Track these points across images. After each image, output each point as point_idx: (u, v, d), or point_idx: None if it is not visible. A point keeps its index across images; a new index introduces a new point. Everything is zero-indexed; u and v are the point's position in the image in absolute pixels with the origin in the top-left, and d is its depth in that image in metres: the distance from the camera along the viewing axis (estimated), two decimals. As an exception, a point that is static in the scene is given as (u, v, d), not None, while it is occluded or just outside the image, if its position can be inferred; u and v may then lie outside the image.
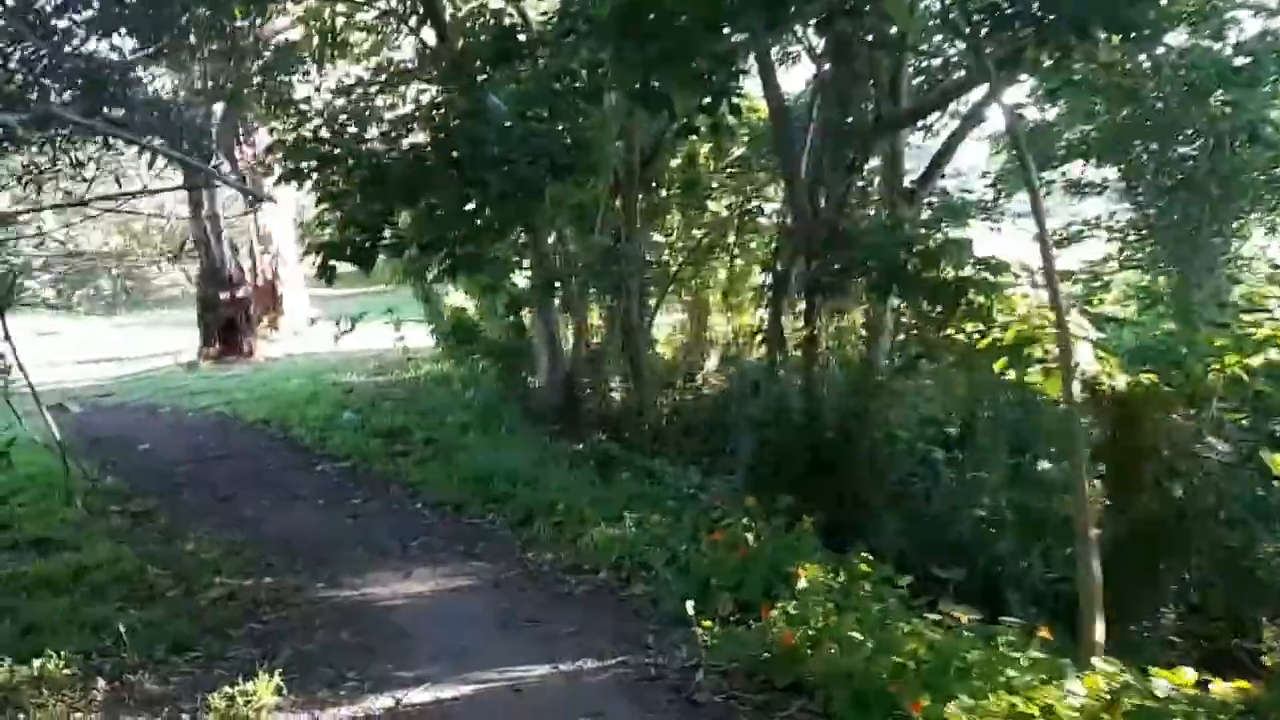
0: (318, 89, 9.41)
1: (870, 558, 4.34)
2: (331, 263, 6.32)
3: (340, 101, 8.36)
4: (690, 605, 3.92)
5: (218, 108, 10.44)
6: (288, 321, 16.36)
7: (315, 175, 7.05)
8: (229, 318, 14.31)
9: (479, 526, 6.08)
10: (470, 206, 6.58)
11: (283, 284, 16.43)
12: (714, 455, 9.79)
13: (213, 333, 14.30)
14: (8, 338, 6.98)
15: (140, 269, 24.68)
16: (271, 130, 10.32)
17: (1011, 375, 4.71)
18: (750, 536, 4.75)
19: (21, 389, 7.89)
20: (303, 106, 8.47)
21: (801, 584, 4.05)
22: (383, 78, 9.23)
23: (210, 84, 9.29)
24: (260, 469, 7.79)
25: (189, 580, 4.91)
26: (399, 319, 11.21)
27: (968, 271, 5.05)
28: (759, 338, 10.55)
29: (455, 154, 6.59)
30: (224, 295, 14.21)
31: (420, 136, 7.12)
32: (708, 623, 3.97)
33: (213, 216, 13.97)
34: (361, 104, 8.42)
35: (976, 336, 4.95)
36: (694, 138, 11.45)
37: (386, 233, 6.58)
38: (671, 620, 4.29)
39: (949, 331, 5.28)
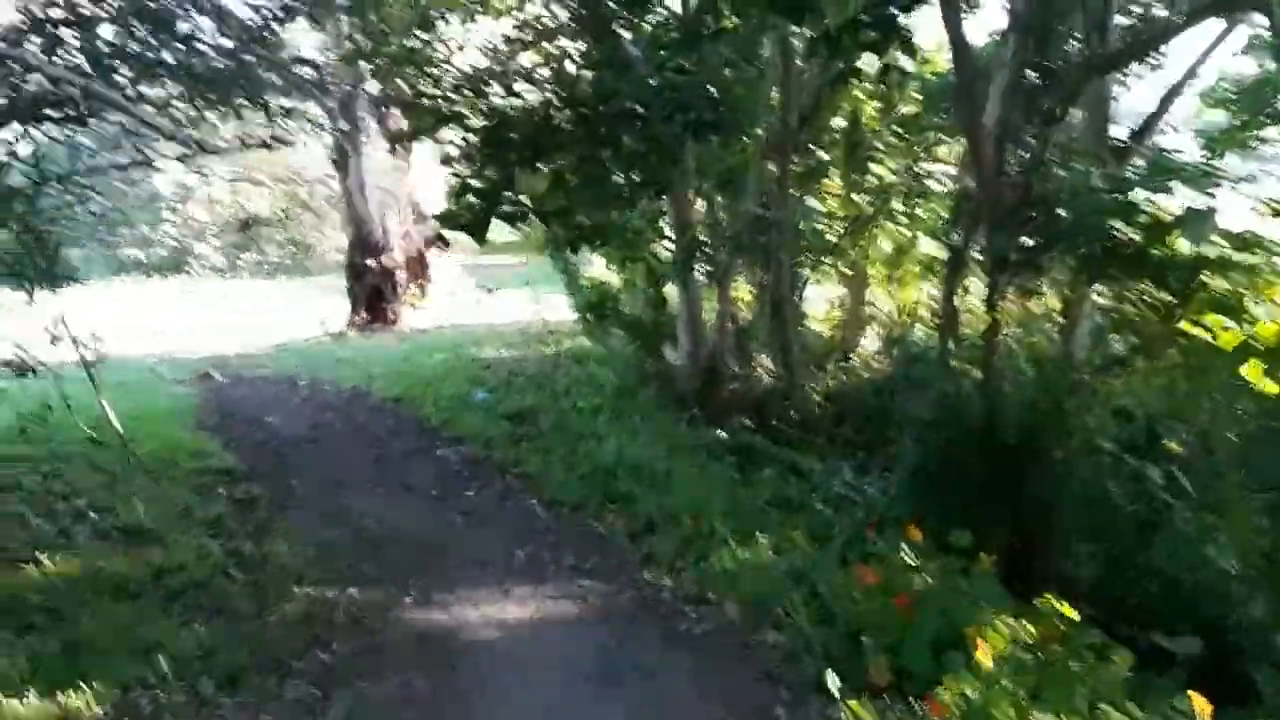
0: (461, 47, 8.84)
1: (1073, 618, 3.35)
2: (443, 233, 5.71)
3: (484, 63, 7.76)
4: (834, 680, 3.07)
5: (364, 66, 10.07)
6: (436, 290, 16.17)
7: (436, 135, 6.50)
8: (376, 286, 14.16)
9: (595, 533, 5.35)
10: (599, 169, 5.85)
11: (431, 252, 16.24)
12: (870, 448, 8.80)
13: (360, 302, 14.21)
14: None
15: (304, 236, 25.30)
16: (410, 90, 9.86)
17: (1270, 385, 3.60)
18: (914, 578, 3.82)
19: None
20: (442, 66, 7.92)
21: (982, 655, 3.11)
22: (527, 35, 8.56)
23: (352, 42, 8.89)
24: (381, 452, 7.34)
25: (268, 590, 4.40)
26: (538, 292, 10.65)
27: (1209, 249, 3.93)
28: (930, 319, 9.41)
29: (584, 110, 5.86)
30: (372, 263, 14.06)
31: (546, 92, 6.43)
32: (855, 704, 3.09)
33: (360, 184, 13.80)
34: (500, 64, 7.79)
35: (1220, 331, 3.85)
36: (857, 94, 10.36)
37: (507, 199, 5.95)
38: (810, 686, 3.43)
39: (1178, 323, 4.17)
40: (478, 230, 5.57)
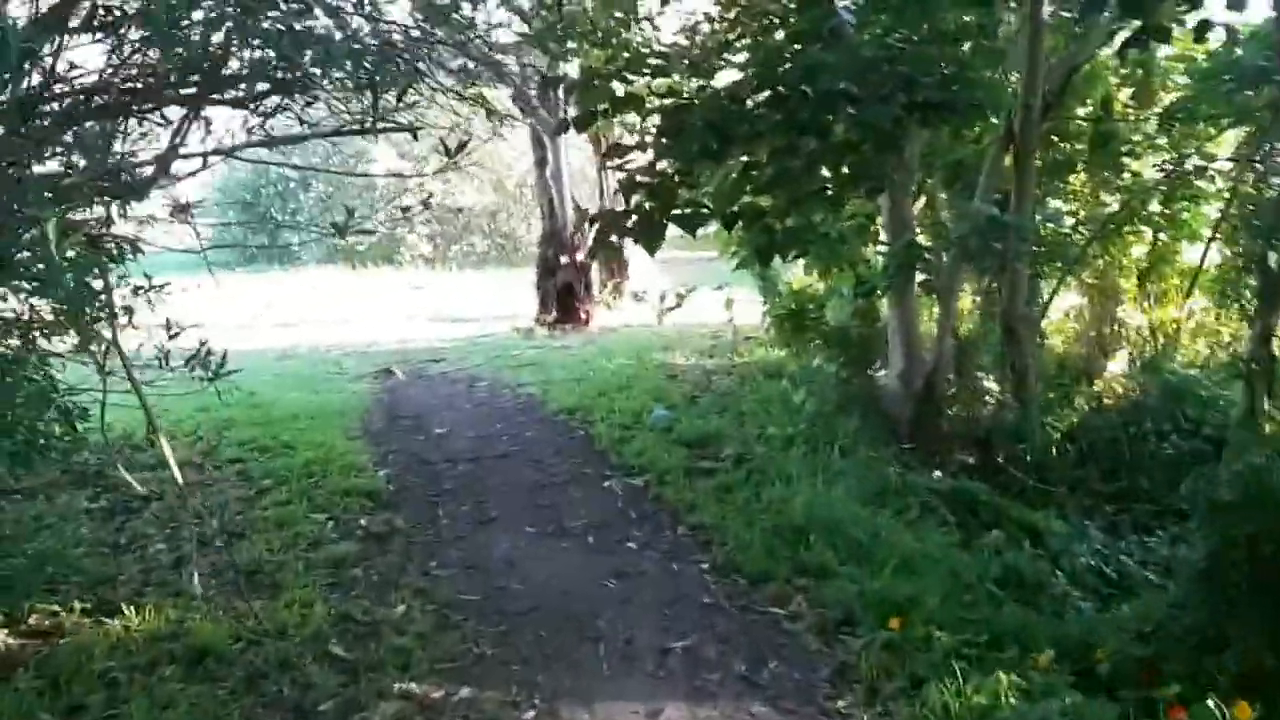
0: (656, 26, 7.92)
1: None
2: (612, 238, 4.79)
3: (683, 40, 6.79)
4: None
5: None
6: (631, 288, 15.43)
7: (613, 120, 5.61)
8: (568, 283, 13.56)
9: (776, 623, 4.26)
10: (798, 162, 4.75)
11: (630, 247, 15.50)
12: (1120, 500, 7.27)
13: (550, 299, 13.64)
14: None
15: (511, 227, 25.31)
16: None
17: None
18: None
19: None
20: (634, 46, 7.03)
21: None
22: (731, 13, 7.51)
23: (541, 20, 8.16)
24: (541, 478, 6.53)
25: (363, 678, 3.61)
26: (730, 297, 9.64)
27: None
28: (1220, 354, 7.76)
29: (783, 91, 4.78)
30: (564, 259, 13.46)
31: (741, 70, 5.38)
32: None
33: (557, 174, 13.20)
34: (694, 43, 6.80)
35: None
36: (1110, 76, 8.72)
37: (686, 199, 4.95)
38: None
39: None
40: (648, 237, 4.60)
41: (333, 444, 7.33)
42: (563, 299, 13.56)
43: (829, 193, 4.72)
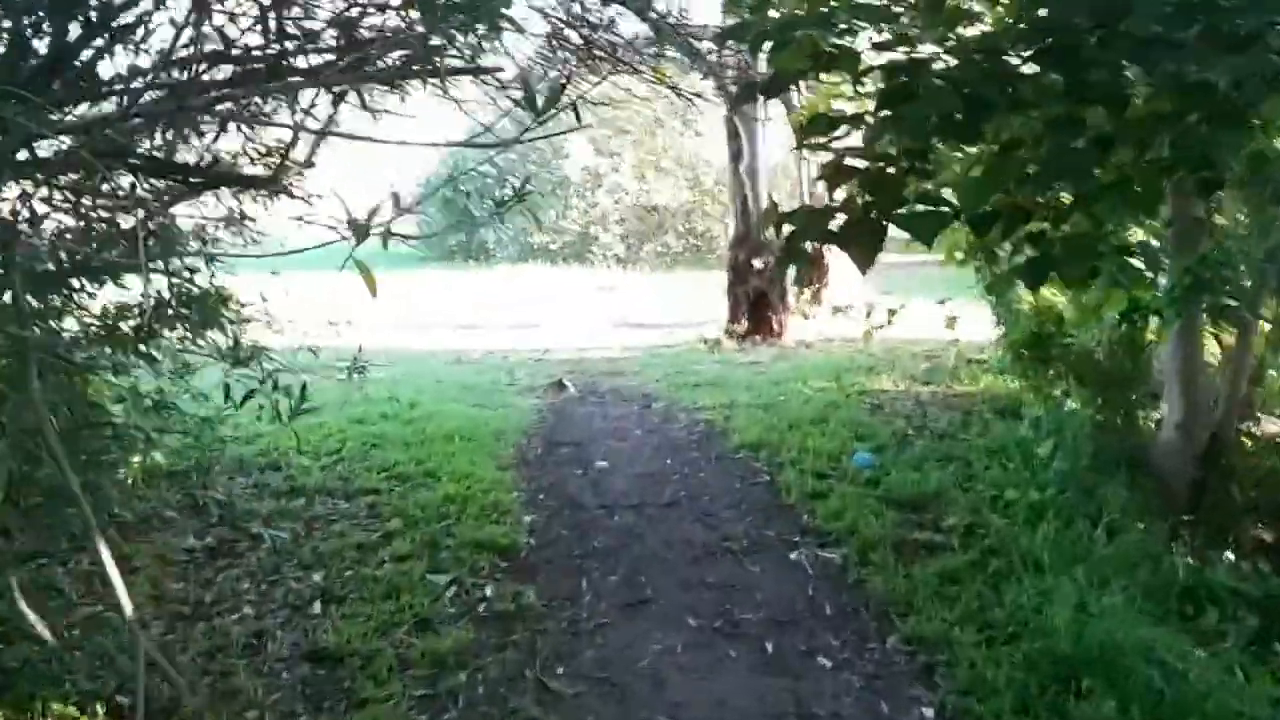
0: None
1: None
2: (805, 245, 3.44)
3: None
4: None
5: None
6: (833, 296, 13.89)
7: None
8: (760, 290, 12.21)
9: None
10: (1085, 142, 3.26)
11: (832, 251, 13.98)
12: None
13: (740, 307, 12.34)
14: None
15: (707, 227, 24.18)
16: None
17: None
18: None
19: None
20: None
21: None
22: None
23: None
24: (713, 541, 5.25)
25: None
26: (953, 315, 8.04)
27: None
28: None
29: (1062, 42, 3.29)
30: (758, 263, 12.12)
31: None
32: None
33: (752, 169, 11.88)
34: None
35: None
36: None
37: (918, 192, 3.55)
38: None
39: None
40: (860, 244, 3.25)
41: (480, 475, 6.36)
42: (754, 308, 12.23)
43: (1140, 185, 3.19)
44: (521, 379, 10.51)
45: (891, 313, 10.40)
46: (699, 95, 9.69)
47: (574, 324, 14.95)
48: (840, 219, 3.42)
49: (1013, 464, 6.10)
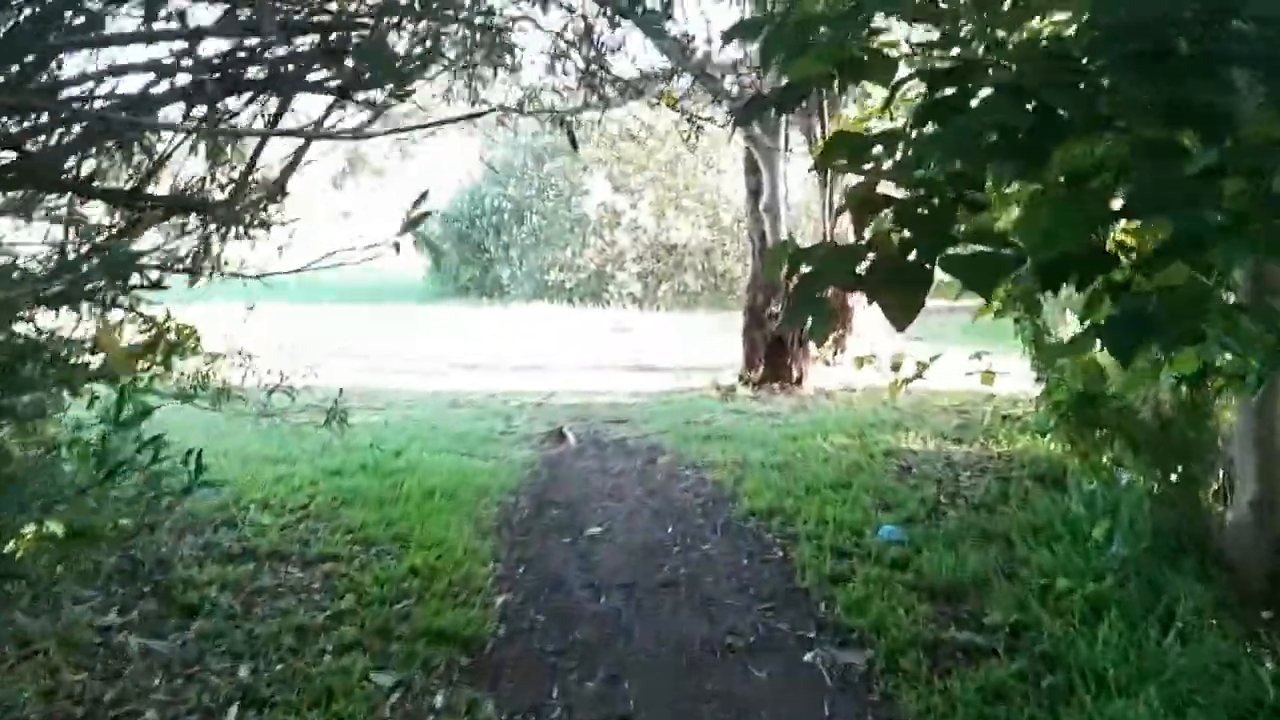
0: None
1: None
2: (818, 294, 2.71)
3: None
4: None
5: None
6: (856, 343, 13.13)
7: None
8: (779, 335, 11.46)
9: None
10: (1186, 171, 2.53)
11: (855, 294, 13.24)
12: None
13: (757, 352, 11.59)
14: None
15: (727, 266, 23.52)
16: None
17: None
18: None
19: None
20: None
21: None
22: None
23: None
24: (714, 636, 4.47)
25: None
26: (990, 370, 7.27)
27: None
28: None
29: (1153, 42, 2.58)
30: (776, 307, 11.39)
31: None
32: None
33: (772, 206, 11.18)
34: None
35: None
36: None
37: (972, 228, 2.81)
38: None
39: None
40: (899, 293, 2.52)
41: (455, 543, 5.63)
42: (772, 353, 11.48)
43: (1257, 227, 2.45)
44: (520, 426, 9.80)
45: (922, 366, 9.63)
46: (709, 120, 9.06)
47: (584, 365, 14.27)
48: (870, 260, 2.69)
49: (1061, 546, 5.29)
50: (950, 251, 2.67)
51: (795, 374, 11.38)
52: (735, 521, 6.24)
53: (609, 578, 5.23)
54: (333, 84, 3.25)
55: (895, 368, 10.00)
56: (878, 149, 2.88)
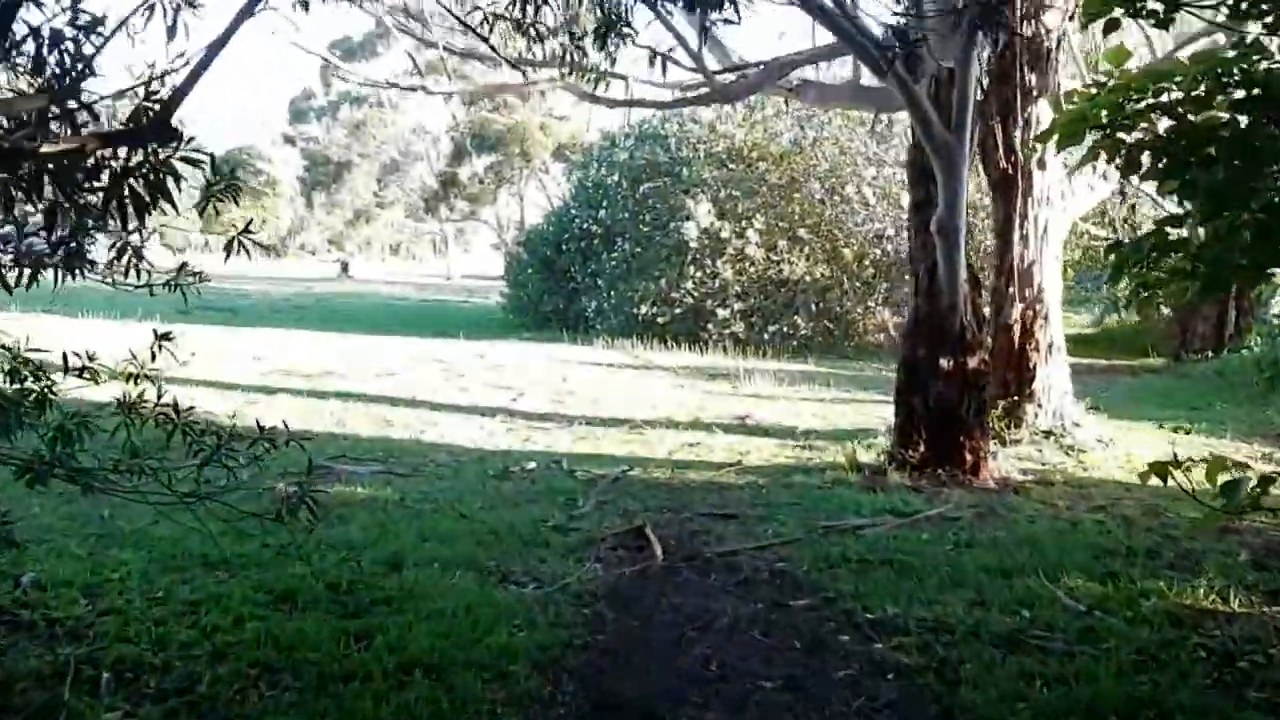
0: None
1: None
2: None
3: None
4: None
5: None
6: (1041, 410, 9.87)
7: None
8: (949, 401, 8.30)
9: None
10: None
11: (1038, 342, 10.02)
12: None
13: (917, 424, 8.42)
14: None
15: (845, 307, 20.35)
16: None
17: None
18: None
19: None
20: None
21: None
22: None
23: None
24: None
25: None
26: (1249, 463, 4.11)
27: None
28: None
29: None
30: (945, 363, 8.25)
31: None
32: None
33: (948, 224, 8.08)
34: None
35: None
36: None
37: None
38: None
39: None
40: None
41: None
42: (936, 426, 8.32)
43: None
44: (585, 513, 6.90)
45: (1176, 466, 6.43)
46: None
47: (675, 418, 11.29)
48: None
49: None
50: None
51: (970, 457, 8.21)
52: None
53: None
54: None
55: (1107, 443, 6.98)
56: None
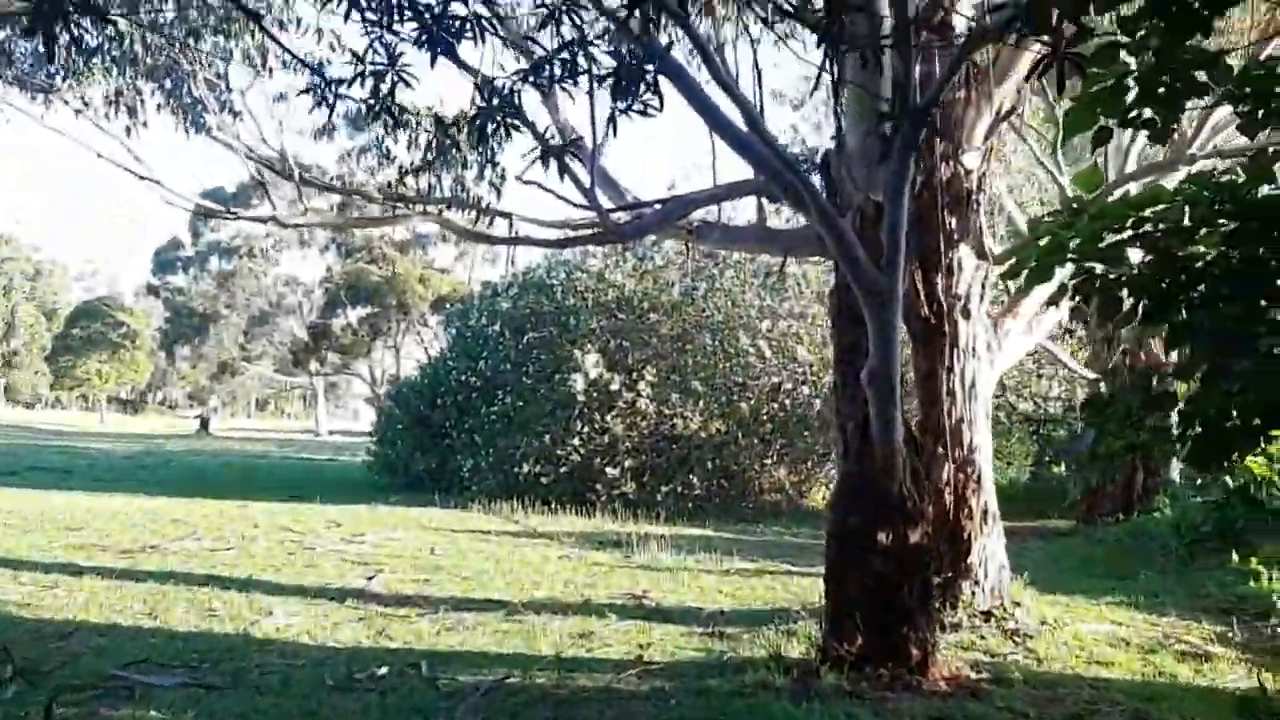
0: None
1: None
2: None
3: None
4: None
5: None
6: (979, 588, 8.66)
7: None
8: (890, 584, 6.96)
9: None
10: None
11: (972, 509, 8.92)
12: None
13: (853, 608, 7.03)
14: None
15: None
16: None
17: None
18: None
19: None
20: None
21: None
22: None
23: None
24: None
25: None
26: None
27: None
28: None
29: None
30: (883, 536, 6.95)
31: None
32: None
33: (880, 377, 6.94)
34: None
35: None
36: None
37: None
38: None
39: None
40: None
41: None
42: (874, 613, 6.94)
43: None
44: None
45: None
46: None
47: (561, 598, 9.62)
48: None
49: None
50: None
51: (916, 652, 6.84)
52: None
53: None
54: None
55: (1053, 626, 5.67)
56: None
